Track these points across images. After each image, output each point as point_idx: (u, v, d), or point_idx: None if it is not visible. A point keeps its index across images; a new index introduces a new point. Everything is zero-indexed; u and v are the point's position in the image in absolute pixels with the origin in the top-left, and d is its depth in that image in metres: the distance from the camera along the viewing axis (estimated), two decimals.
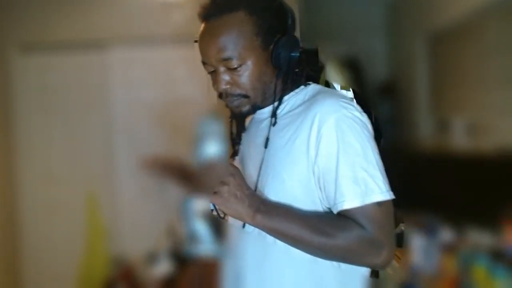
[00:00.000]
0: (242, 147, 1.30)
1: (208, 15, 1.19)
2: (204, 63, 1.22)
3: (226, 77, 1.18)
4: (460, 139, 3.30)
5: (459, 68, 3.40)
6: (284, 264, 1.18)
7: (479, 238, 2.64)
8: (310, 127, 1.13)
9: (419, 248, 2.94)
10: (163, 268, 3.23)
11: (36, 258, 3.46)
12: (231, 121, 1.27)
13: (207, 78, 1.25)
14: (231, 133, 1.29)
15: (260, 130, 1.23)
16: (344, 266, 1.17)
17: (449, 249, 2.78)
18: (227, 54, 1.16)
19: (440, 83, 3.73)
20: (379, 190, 1.15)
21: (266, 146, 1.19)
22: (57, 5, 3.43)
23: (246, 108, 1.20)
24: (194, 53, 1.29)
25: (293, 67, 1.20)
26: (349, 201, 1.11)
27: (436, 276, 2.79)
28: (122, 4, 3.48)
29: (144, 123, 3.51)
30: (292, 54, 1.18)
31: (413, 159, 3.76)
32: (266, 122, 1.22)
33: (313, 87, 1.25)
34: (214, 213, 1.17)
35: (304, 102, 1.20)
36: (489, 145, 2.91)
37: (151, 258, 3.29)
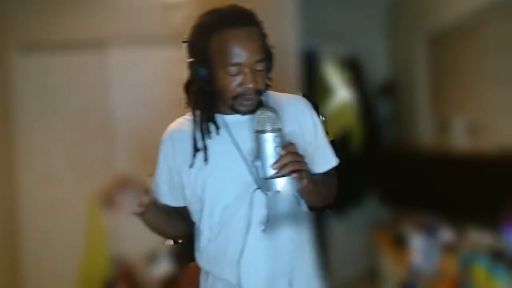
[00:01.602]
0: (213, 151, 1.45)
1: (231, 23, 1.39)
2: (231, 65, 1.38)
3: (255, 76, 1.39)
4: (460, 139, 3.30)
5: (459, 68, 3.41)
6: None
7: (479, 238, 2.65)
8: (303, 118, 1.50)
9: (419, 248, 2.94)
10: (163, 268, 3.23)
11: (36, 258, 3.46)
12: (206, 127, 1.45)
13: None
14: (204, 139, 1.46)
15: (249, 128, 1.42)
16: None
17: (449, 249, 2.78)
18: (260, 56, 1.39)
19: (440, 83, 3.73)
20: None
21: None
22: (57, 5, 3.42)
23: (254, 107, 1.41)
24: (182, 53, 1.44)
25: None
26: (334, 161, 1.56)
27: (436, 276, 2.79)
28: (122, 4, 3.48)
29: (144, 123, 3.51)
30: (271, 66, 1.46)
31: (413, 159, 3.77)
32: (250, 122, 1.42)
33: (269, 92, 1.51)
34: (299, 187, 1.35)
35: (278, 103, 1.48)
36: (489, 145, 2.91)
37: (151, 258, 3.29)
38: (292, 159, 1.32)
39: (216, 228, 1.46)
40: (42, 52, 3.43)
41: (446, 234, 2.89)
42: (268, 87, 1.48)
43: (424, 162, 3.54)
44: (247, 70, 1.38)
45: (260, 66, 1.39)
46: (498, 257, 2.37)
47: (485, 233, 2.61)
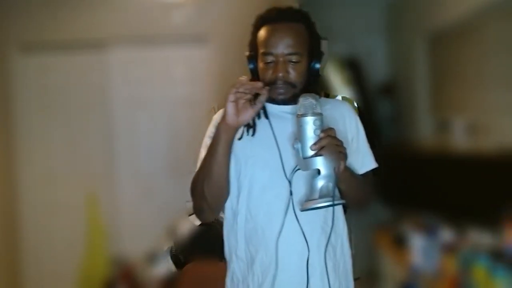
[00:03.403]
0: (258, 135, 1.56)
1: (275, 18, 1.54)
2: (266, 54, 1.52)
3: (286, 67, 1.51)
4: (460, 139, 3.30)
5: (459, 68, 3.40)
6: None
7: (479, 238, 2.64)
8: (348, 119, 1.60)
9: (419, 248, 2.94)
10: (163, 268, 3.23)
11: (36, 258, 3.46)
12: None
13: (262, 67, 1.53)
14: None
15: (290, 121, 1.53)
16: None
17: (449, 249, 2.78)
18: (295, 49, 1.51)
19: (440, 83, 3.72)
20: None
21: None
22: (57, 5, 3.42)
23: (287, 96, 1.52)
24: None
25: (317, 77, 1.59)
26: (373, 163, 1.63)
27: (436, 276, 2.79)
28: (122, 4, 3.48)
29: (144, 123, 3.51)
30: (319, 67, 1.56)
31: (413, 159, 3.77)
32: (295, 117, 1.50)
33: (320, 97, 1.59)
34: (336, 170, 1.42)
35: (326, 102, 1.58)
36: (489, 145, 2.91)
37: (151, 258, 3.29)
38: (331, 142, 1.41)
39: (254, 208, 1.53)
40: (42, 52, 3.44)
41: (446, 234, 2.89)
42: (311, 86, 1.57)
43: (424, 162, 3.54)
44: (280, 59, 1.50)
45: (295, 59, 1.51)
46: (498, 257, 2.37)
47: (485, 233, 2.61)
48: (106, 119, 3.48)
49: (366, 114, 1.74)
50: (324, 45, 1.62)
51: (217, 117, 1.61)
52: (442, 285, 2.69)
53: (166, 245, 1.67)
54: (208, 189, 1.51)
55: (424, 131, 3.92)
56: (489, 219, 2.56)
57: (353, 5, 4.17)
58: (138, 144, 3.49)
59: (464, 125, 3.28)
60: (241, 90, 1.44)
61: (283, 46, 1.51)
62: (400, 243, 3.33)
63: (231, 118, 1.46)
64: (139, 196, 3.42)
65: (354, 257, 1.65)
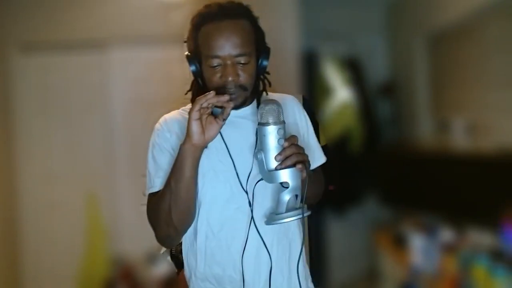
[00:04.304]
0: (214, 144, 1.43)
1: (218, 16, 1.38)
2: (212, 57, 1.37)
3: (235, 70, 1.37)
4: (460, 139, 3.30)
5: (459, 68, 3.40)
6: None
7: (479, 238, 2.64)
8: (298, 115, 1.55)
9: (419, 248, 2.94)
10: (163, 268, 3.23)
11: (36, 258, 3.46)
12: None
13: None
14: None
15: (248, 124, 1.46)
16: None
17: (449, 249, 2.78)
18: (243, 50, 1.37)
19: (440, 83, 3.72)
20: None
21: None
22: (57, 5, 3.42)
23: (239, 100, 1.41)
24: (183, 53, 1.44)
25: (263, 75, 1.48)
26: (323, 158, 1.60)
27: (436, 276, 2.79)
28: (122, 4, 3.48)
29: (144, 123, 3.51)
30: (266, 64, 1.44)
31: (413, 159, 3.77)
32: (247, 121, 1.46)
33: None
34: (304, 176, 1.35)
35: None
36: (489, 145, 2.91)
37: (151, 258, 3.29)
38: (295, 151, 1.32)
39: (216, 224, 1.44)
40: (42, 52, 3.44)
41: (446, 234, 2.89)
42: (260, 84, 1.48)
43: (424, 162, 3.54)
44: (228, 62, 1.37)
45: (244, 60, 1.37)
46: (498, 257, 2.37)
47: (485, 233, 2.61)
48: (106, 119, 3.48)
49: (367, 113, 1.73)
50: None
51: (159, 126, 1.51)
52: (442, 285, 2.69)
53: (161, 253, 1.63)
54: (176, 215, 1.40)
55: (424, 131, 3.92)
56: (489, 219, 2.56)
57: (353, 5, 4.17)
58: (138, 144, 3.49)
59: (464, 125, 3.28)
60: (205, 105, 1.32)
61: (230, 47, 1.36)
62: (400, 243, 3.34)
63: (197, 138, 1.33)
64: (139, 196, 3.41)
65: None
